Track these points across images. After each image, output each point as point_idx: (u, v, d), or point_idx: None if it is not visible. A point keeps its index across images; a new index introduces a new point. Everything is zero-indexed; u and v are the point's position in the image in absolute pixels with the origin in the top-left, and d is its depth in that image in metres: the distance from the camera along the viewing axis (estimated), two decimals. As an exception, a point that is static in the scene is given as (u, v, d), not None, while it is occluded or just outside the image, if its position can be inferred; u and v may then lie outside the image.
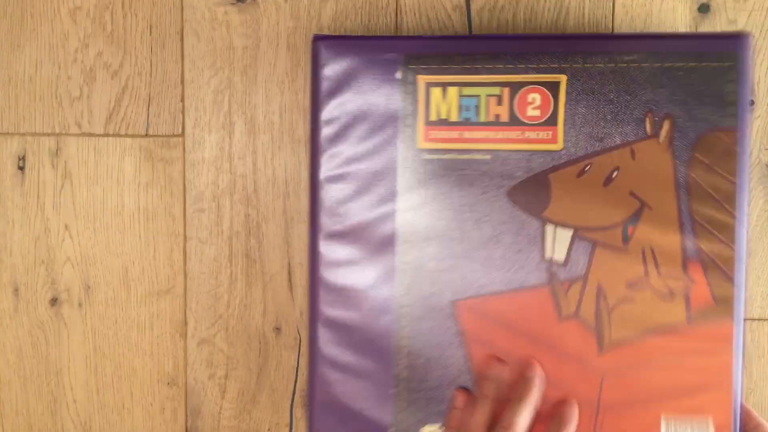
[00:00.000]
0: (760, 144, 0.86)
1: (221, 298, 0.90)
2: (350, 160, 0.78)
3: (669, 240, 0.74)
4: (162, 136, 0.90)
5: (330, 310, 0.79)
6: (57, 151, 0.90)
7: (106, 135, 0.90)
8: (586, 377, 0.75)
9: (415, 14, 0.87)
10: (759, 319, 0.87)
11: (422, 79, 0.76)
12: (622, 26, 0.86)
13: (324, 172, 0.78)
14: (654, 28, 0.86)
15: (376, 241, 0.78)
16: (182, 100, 0.89)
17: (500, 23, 0.87)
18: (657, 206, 0.74)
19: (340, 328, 0.79)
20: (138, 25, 0.89)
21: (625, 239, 0.74)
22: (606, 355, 0.75)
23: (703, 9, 0.86)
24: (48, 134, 0.90)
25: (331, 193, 0.78)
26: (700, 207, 0.73)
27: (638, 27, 0.86)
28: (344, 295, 0.79)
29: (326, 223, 0.79)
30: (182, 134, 0.89)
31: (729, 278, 0.74)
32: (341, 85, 0.78)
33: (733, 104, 0.73)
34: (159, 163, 0.90)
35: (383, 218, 0.78)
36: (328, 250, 0.79)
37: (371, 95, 0.77)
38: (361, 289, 0.79)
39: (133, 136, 0.90)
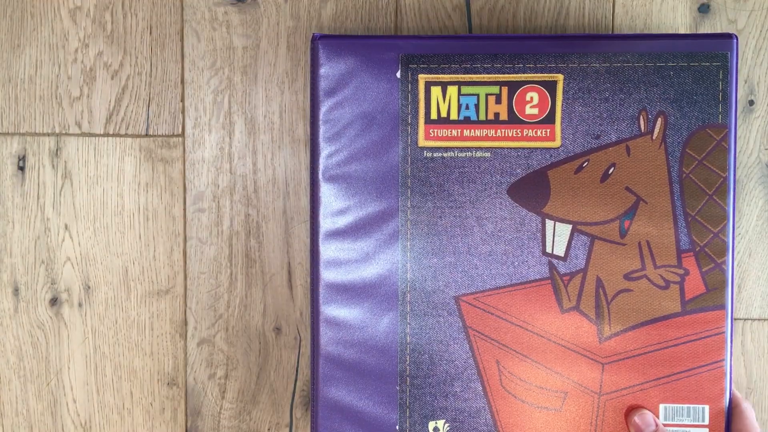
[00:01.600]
0: (760, 144, 0.89)
1: (221, 298, 0.92)
2: (350, 159, 0.81)
3: (664, 233, 0.78)
4: (162, 136, 0.92)
5: (331, 308, 0.82)
6: (57, 151, 0.92)
7: (106, 135, 0.92)
8: (588, 367, 0.79)
9: (415, 14, 0.90)
10: (759, 319, 0.90)
11: (422, 78, 0.79)
12: (622, 26, 0.89)
13: (324, 171, 0.81)
14: (654, 28, 0.89)
15: (377, 240, 0.81)
16: (182, 100, 0.91)
17: (500, 23, 0.90)
18: (652, 201, 0.78)
19: (342, 326, 0.81)
20: (138, 25, 0.92)
21: (622, 233, 0.78)
22: (606, 344, 0.79)
23: (703, 9, 0.89)
24: (48, 134, 0.92)
25: (331, 192, 0.81)
26: (693, 201, 0.78)
27: (638, 27, 0.89)
28: (346, 293, 0.82)
29: (327, 222, 0.81)
30: (182, 134, 0.91)
31: (721, 269, 0.78)
32: (340, 84, 0.81)
33: (723, 102, 0.77)
34: (159, 163, 0.92)
35: (385, 216, 0.81)
36: (329, 248, 0.81)
37: (371, 94, 0.80)
38: (362, 287, 0.81)
39: (133, 136, 0.92)
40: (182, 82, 0.92)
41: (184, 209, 0.92)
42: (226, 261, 0.92)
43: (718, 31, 0.89)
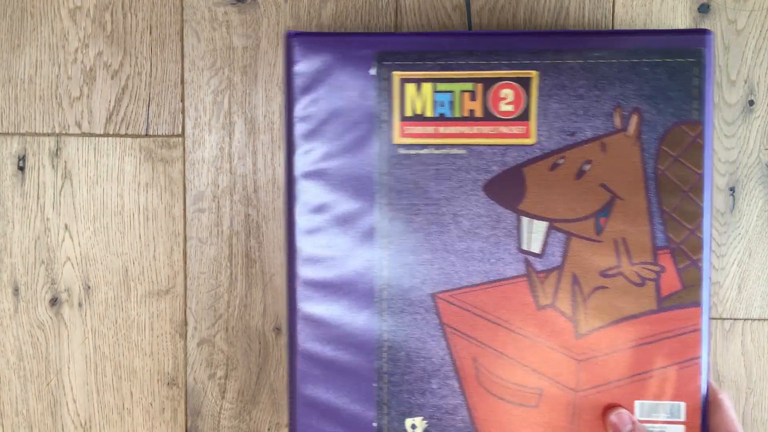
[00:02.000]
0: (760, 144, 0.88)
1: (221, 298, 0.93)
2: (326, 157, 0.81)
3: (639, 230, 0.78)
4: (162, 136, 0.92)
5: (309, 305, 0.82)
6: (57, 151, 0.92)
7: (106, 135, 0.92)
8: (564, 364, 0.79)
9: (415, 14, 0.90)
10: (759, 319, 0.89)
11: (397, 75, 0.79)
12: (622, 26, 0.89)
13: (300, 168, 0.81)
14: (654, 28, 0.89)
15: (354, 237, 0.81)
16: (182, 100, 0.92)
17: (500, 23, 0.90)
18: (627, 198, 0.77)
19: (319, 323, 0.82)
20: (138, 25, 0.92)
21: (598, 230, 0.78)
22: (582, 341, 0.79)
23: (703, 9, 0.88)
24: (48, 134, 0.93)
25: (307, 190, 0.81)
26: (669, 198, 0.77)
27: (638, 27, 0.89)
28: (323, 290, 0.82)
29: (303, 219, 0.82)
30: (182, 134, 0.92)
31: (697, 266, 0.78)
32: (315, 81, 0.80)
33: (698, 98, 0.77)
34: (159, 163, 0.92)
35: (361, 214, 0.81)
36: (306, 245, 0.82)
37: (346, 91, 0.80)
38: (340, 284, 0.81)
39: (133, 136, 0.92)
40: (182, 82, 0.92)
41: (184, 209, 0.92)
42: (226, 261, 0.92)
43: (718, 31, 0.88)
